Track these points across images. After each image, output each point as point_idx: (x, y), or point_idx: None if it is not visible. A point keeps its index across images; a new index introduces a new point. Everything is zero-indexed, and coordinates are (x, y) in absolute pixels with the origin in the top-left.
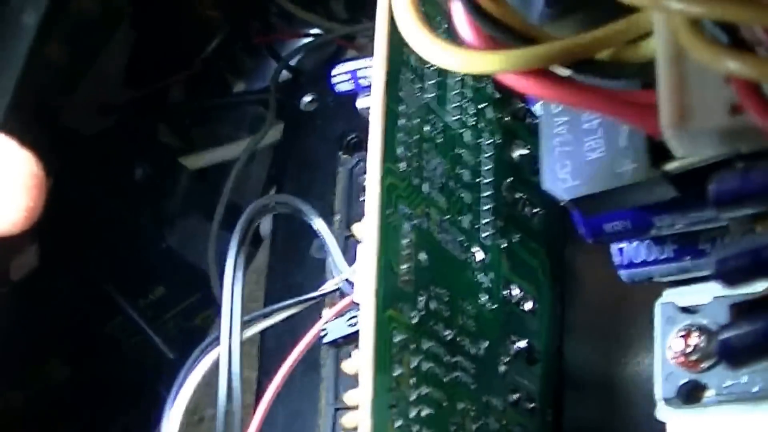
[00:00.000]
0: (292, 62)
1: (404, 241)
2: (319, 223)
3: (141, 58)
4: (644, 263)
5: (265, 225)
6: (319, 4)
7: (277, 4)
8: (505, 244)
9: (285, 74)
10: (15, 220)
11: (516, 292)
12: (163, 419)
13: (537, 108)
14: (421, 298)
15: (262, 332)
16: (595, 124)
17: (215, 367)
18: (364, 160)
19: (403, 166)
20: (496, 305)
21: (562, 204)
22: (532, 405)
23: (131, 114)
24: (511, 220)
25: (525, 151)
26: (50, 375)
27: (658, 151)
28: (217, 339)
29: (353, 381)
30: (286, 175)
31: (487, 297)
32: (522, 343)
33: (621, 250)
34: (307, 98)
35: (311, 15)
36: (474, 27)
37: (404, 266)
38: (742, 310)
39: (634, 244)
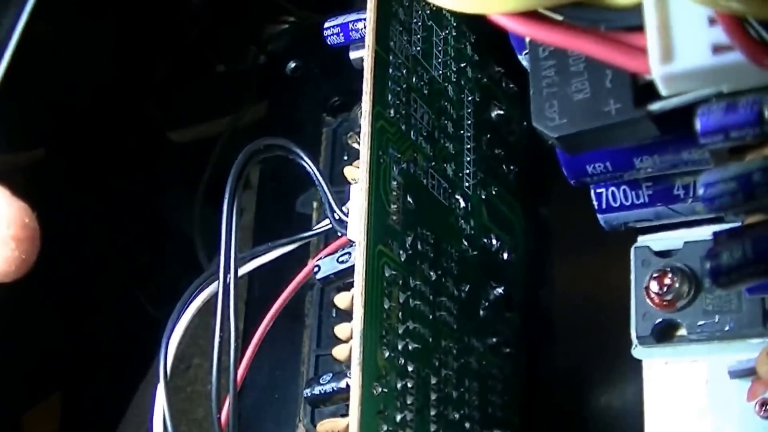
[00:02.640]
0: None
1: (394, 183)
2: (311, 166)
3: (128, 40)
4: (621, 207)
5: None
6: None
7: None
8: (485, 195)
9: (263, 59)
10: (5, 272)
11: (494, 241)
12: (161, 349)
13: (523, 58)
14: (408, 238)
15: (249, 284)
16: (581, 66)
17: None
18: (347, 120)
19: (392, 112)
20: (476, 252)
21: (549, 143)
22: (508, 350)
23: (119, 91)
24: (491, 173)
25: (501, 112)
26: (42, 334)
27: (642, 92)
28: (214, 275)
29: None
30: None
31: (468, 243)
32: (500, 290)
33: (600, 194)
34: (292, 64)
35: (288, 2)
36: None
37: (394, 206)
38: (727, 234)
39: (613, 188)
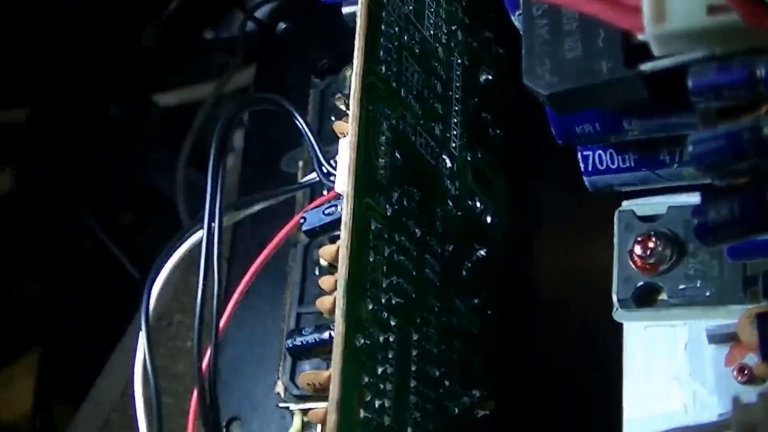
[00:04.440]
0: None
1: (382, 138)
2: (299, 119)
3: (116, 4)
4: (607, 170)
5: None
6: None
7: None
8: (470, 158)
9: (250, 25)
10: None
11: (478, 204)
12: (143, 299)
13: (515, 19)
14: (395, 193)
15: (233, 241)
16: (574, 26)
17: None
18: (335, 82)
19: (383, 68)
20: (460, 213)
21: (540, 101)
22: (489, 311)
23: (107, 55)
24: (477, 136)
25: (489, 77)
26: (24, 291)
27: (634, 53)
28: (197, 226)
29: (318, 288)
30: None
31: (453, 204)
32: (483, 252)
33: (586, 157)
34: (282, 25)
35: None
36: None
37: (382, 161)
38: (715, 192)
39: (600, 151)
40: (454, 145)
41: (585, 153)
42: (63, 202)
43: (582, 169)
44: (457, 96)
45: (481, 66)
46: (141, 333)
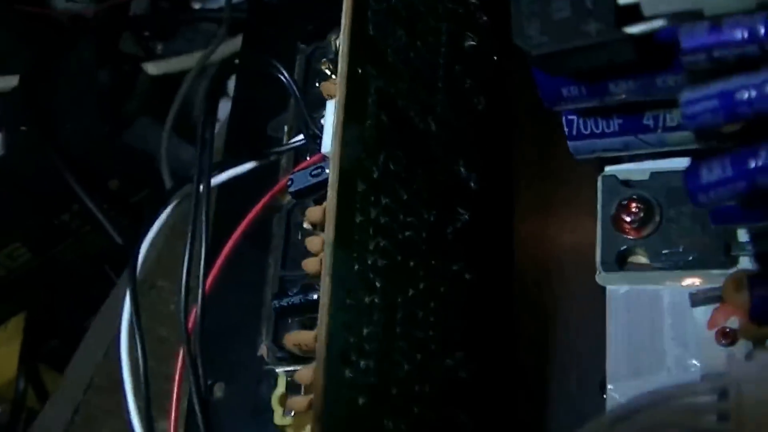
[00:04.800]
0: None
1: (369, 100)
2: (287, 78)
3: None
4: (592, 135)
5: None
6: None
7: None
8: (455, 123)
9: None
10: None
11: (462, 169)
12: (130, 262)
13: None
14: (382, 155)
15: (218, 205)
16: None
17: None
18: (320, 47)
19: (371, 30)
20: (445, 177)
21: (528, 62)
22: (470, 276)
23: (98, 23)
24: (461, 103)
25: (473, 44)
26: (11, 256)
27: (623, 14)
28: (185, 186)
29: (301, 251)
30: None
31: (438, 168)
32: (466, 217)
33: (571, 121)
34: None
35: None
36: None
37: (369, 121)
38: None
39: (585, 116)
40: (439, 109)
41: (569, 117)
42: (51, 167)
43: (566, 133)
44: (442, 61)
45: (466, 32)
46: (127, 296)
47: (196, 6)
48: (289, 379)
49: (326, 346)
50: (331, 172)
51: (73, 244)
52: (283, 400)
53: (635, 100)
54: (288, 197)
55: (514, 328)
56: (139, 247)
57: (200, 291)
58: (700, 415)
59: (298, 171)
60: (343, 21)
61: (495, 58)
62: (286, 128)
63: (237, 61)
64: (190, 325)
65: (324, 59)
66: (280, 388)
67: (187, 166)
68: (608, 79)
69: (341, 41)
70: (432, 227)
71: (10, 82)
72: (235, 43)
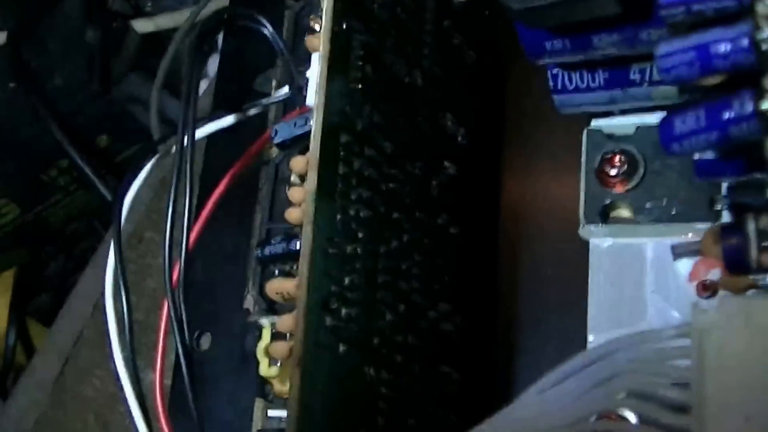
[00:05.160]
0: None
1: (353, 53)
2: (273, 33)
3: None
4: (577, 89)
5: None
6: None
7: None
8: (443, 78)
9: None
10: None
11: (449, 123)
12: (114, 213)
13: None
14: (366, 107)
15: (206, 158)
16: None
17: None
18: (309, 3)
19: None
20: (431, 131)
21: (510, 16)
22: (455, 229)
23: None
24: (449, 57)
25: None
26: (1, 213)
27: None
28: (170, 138)
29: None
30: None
31: (423, 121)
32: (451, 171)
33: (556, 76)
34: None
35: None
36: None
37: (353, 74)
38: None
39: (568, 71)
40: (426, 64)
41: (554, 72)
42: (39, 123)
43: (551, 87)
44: (430, 15)
45: None
46: (111, 247)
47: None
48: (273, 330)
49: (307, 292)
50: (314, 123)
51: (61, 200)
52: (268, 351)
53: (619, 54)
54: (276, 150)
55: (498, 282)
56: (122, 198)
57: (183, 243)
58: (665, 360)
59: (283, 122)
60: None
61: (486, 12)
62: (273, 83)
63: (225, 16)
64: (174, 277)
65: (312, 15)
66: (265, 339)
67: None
68: (592, 33)
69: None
70: (417, 180)
71: (1, 39)
72: (225, 1)
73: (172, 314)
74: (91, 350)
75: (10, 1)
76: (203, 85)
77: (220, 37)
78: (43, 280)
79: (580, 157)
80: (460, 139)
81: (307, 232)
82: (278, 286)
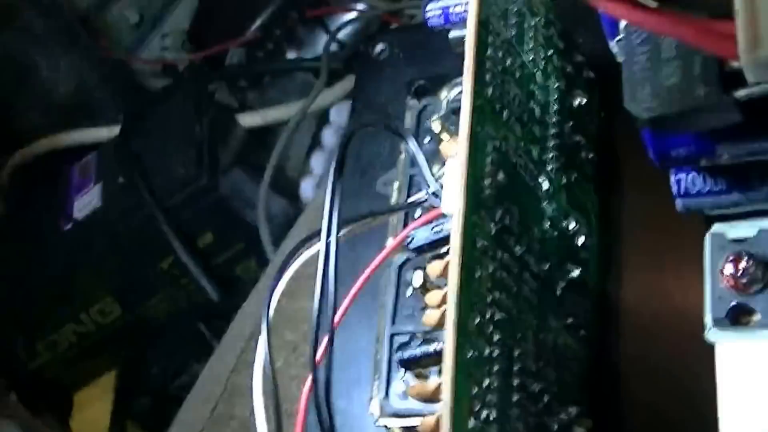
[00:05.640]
0: (341, 35)
1: (488, 159)
2: (411, 141)
3: (202, 25)
4: (699, 194)
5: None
6: None
7: None
8: (565, 180)
9: (333, 46)
10: None
11: (572, 225)
12: (264, 310)
13: (613, 44)
14: (498, 212)
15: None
16: (672, 54)
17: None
18: (430, 104)
19: (489, 91)
20: (556, 233)
21: (638, 125)
22: (582, 332)
23: (193, 74)
24: (571, 159)
25: (583, 101)
26: (103, 312)
27: (730, 79)
28: (312, 239)
29: (412, 305)
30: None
31: (549, 224)
32: (576, 273)
33: (679, 180)
34: (379, 47)
35: None
36: None
37: (487, 180)
38: None
39: (692, 174)
40: (550, 167)
41: (677, 177)
42: (146, 220)
43: (674, 192)
44: (554, 120)
45: (575, 89)
46: (261, 342)
47: (291, 56)
48: None
49: (452, 395)
50: (453, 229)
51: (164, 299)
52: None
53: (741, 161)
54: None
55: (626, 385)
56: (270, 297)
57: (328, 338)
58: None
59: (419, 227)
60: (464, 85)
61: (602, 113)
62: (396, 184)
63: (353, 130)
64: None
65: (435, 116)
66: None
67: (279, 219)
68: (716, 140)
69: (463, 104)
70: (544, 282)
71: (109, 133)
72: (333, 93)
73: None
74: None
75: (121, 95)
76: (311, 181)
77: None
78: (144, 381)
79: (702, 259)
80: (582, 240)
81: (451, 335)
82: (419, 390)
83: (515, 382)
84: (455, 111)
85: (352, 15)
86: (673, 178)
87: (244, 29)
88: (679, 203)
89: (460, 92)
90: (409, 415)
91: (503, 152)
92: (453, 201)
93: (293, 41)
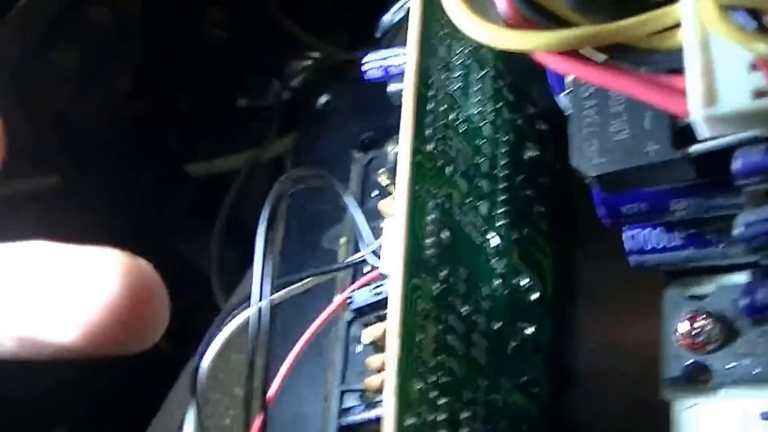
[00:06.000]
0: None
1: (429, 217)
2: (347, 197)
3: (149, 72)
4: (653, 250)
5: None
6: (322, 30)
7: (282, 27)
8: (516, 236)
9: (286, 94)
10: None
11: (524, 281)
12: (193, 378)
13: (561, 98)
14: (442, 273)
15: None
16: (621, 108)
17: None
18: (377, 157)
19: (430, 147)
20: (507, 291)
21: (587, 182)
22: (536, 390)
23: (139, 123)
24: (522, 214)
25: (535, 154)
26: (54, 366)
27: (680, 135)
28: (245, 302)
29: (360, 364)
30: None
31: (499, 281)
32: (529, 330)
33: (632, 236)
34: (323, 99)
35: (314, 39)
36: (512, 8)
37: (428, 240)
38: (762, 273)
39: (645, 230)
40: (500, 223)
41: (629, 233)
42: None
43: (627, 249)
44: (503, 174)
45: (526, 142)
46: (190, 414)
47: (242, 104)
48: None
49: None
50: (391, 292)
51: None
52: None
53: (696, 217)
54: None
55: None
56: (198, 367)
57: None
58: None
59: (358, 288)
60: (401, 141)
61: (558, 166)
62: (342, 240)
63: (294, 179)
64: None
65: (382, 169)
66: None
67: (234, 269)
68: (669, 196)
69: (399, 162)
70: (493, 341)
71: (52, 183)
72: (284, 144)
73: None
74: None
75: (66, 145)
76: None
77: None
78: None
79: (659, 314)
80: (534, 297)
81: (391, 404)
82: None
83: None
84: None
85: (307, 62)
86: (625, 235)
87: (193, 78)
88: (631, 260)
89: None
90: None
91: (446, 210)
92: (391, 262)
93: (244, 89)
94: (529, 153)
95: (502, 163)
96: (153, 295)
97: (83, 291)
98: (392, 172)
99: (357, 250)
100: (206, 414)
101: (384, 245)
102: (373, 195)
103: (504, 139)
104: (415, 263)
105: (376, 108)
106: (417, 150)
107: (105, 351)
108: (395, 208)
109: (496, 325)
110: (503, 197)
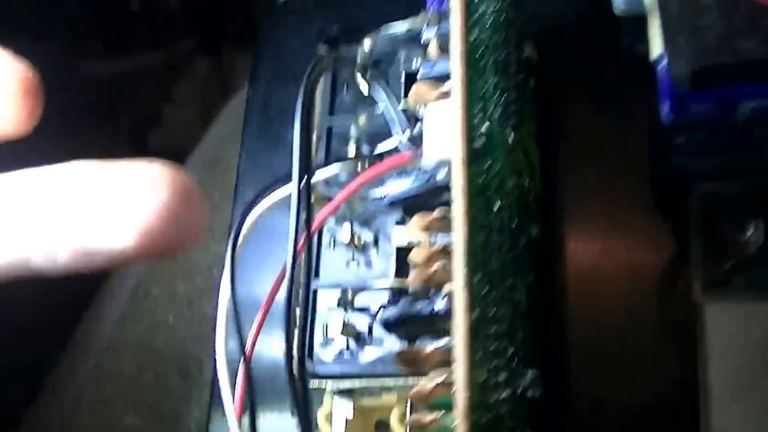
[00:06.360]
0: None
1: (479, 105)
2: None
3: None
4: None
5: None
6: None
7: None
8: (519, 135)
9: None
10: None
11: (527, 182)
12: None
13: None
14: (487, 162)
15: None
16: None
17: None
18: (346, 53)
19: (473, 36)
20: (517, 189)
21: (674, 79)
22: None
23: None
24: (521, 113)
25: (533, 54)
26: None
27: None
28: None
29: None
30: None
31: (513, 179)
32: (535, 231)
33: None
34: None
35: None
36: None
37: (479, 130)
38: None
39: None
40: (512, 122)
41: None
42: None
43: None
44: (513, 69)
45: (525, 41)
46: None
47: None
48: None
49: (467, 362)
50: (455, 179)
51: None
52: (328, 418)
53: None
54: None
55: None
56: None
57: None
58: None
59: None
60: (452, 26)
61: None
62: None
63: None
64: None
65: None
66: (326, 406)
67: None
68: (741, 98)
69: (453, 45)
70: (513, 237)
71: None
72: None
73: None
74: None
75: None
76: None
77: None
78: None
79: (689, 222)
80: (531, 198)
81: (462, 296)
82: (410, 355)
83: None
84: (376, 62)
85: None
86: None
87: None
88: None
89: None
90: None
91: (486, 99)
92: (442, 150)
93: None
94: (527, 53)
95: (512, 58)
96: (196, 198)
97: (135, 198)
98: (362, 68)
99: (329, 148)
100: (149, 307)
101: (430, 133)
102: (343, 92)
103: (511, 36)
104: (470, 152)
105: (336, 4)
106: (466, 34)
107: (157, 254)
108: (452, 97)
109: (515, 220)
110: (514, 94)
